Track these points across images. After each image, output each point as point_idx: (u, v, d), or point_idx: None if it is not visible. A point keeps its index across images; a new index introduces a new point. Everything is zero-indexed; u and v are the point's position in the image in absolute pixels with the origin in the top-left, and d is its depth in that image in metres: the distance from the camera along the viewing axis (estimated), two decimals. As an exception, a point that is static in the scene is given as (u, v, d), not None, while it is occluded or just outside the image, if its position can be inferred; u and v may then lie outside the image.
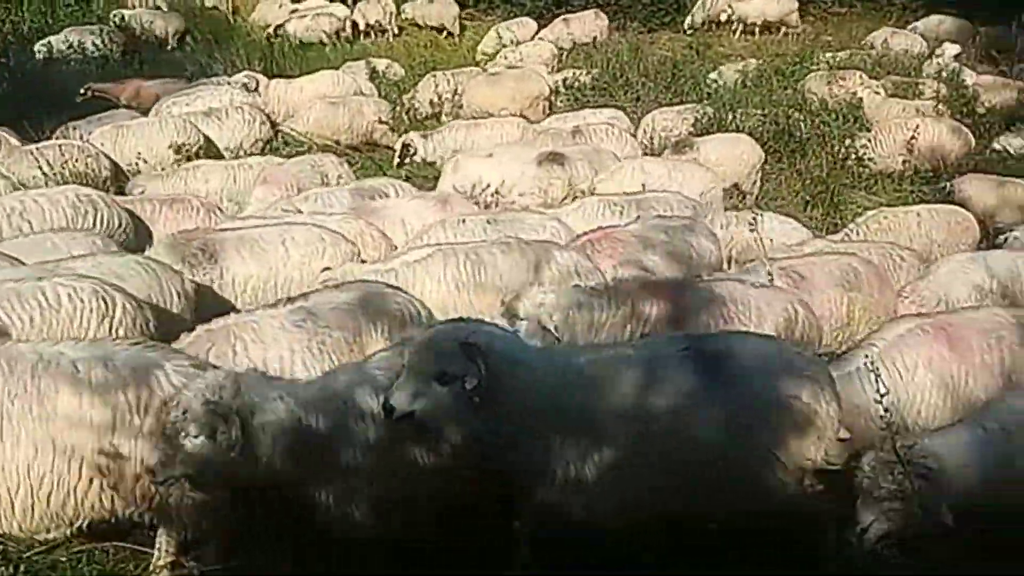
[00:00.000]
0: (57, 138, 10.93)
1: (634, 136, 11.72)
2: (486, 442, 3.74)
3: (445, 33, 20.53)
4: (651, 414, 3.86)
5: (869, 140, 11.70)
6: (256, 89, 13.60)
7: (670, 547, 3.96)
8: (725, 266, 7.41)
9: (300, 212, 7.86)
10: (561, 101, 14.11)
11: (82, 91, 13.21)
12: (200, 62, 16.15)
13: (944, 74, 15.31)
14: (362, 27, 20.20)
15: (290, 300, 5.15)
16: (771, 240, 7.50)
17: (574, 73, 15.06)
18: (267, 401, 3.81)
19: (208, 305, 5.85)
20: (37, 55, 16.35)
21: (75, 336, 4.51)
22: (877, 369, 4.62)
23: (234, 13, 21.43)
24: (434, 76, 14.66)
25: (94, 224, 7.19)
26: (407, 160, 11.53)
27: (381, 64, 16.31)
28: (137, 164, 10.44)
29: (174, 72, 15.23)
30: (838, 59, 16.44)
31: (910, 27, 19.50)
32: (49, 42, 16.73)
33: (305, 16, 19.80)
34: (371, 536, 3.99)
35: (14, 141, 10.21)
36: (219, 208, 8.30)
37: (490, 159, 10.08)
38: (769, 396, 4.06)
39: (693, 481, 3.94)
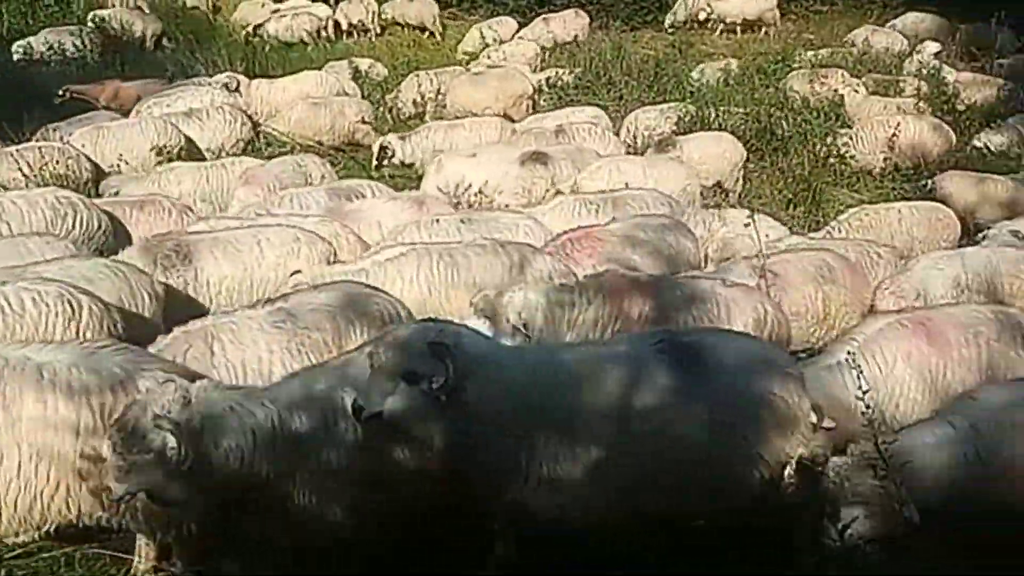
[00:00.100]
0: (37, 140, 10.83)
1: (617, 135, 11.74)
2: (456, 442, 3.72)
3: (428, 33, 20.51)
4: (625, 411, 3.85)
5: (851, 138, 11.74)
6: (237, 90, 13.54)
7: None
8: (702, 264, 7.42)
9: (270, 214, 7.80)
10: (544, 100, 14.11)
11: (60, 93, 13.09)
12: (181, 62, 16.05)
13: (925, 72, 15.40)
14: (345, 27, 20.15)
15: (269, 301, 5.14)
16: (751, 238, 7.53)
17: (557, 72, 15.07)
18: (217, 413, 3.77)
19: (182, 307, 5.82)
20: (15, 56, 16.22)
21: (42, 340, 4.45)
22: (859, 366, 4.64)
23: (215, 13, 21.32)
24: (417, 76, 14.65)
25: (73, 226, 7.16)
26: (385, 162, 11.50)
27: (364, 64, 16.27)
28: (118, 166, 10.37)
29: (155, 73, 15.13)
30: (819, 57, 16.52)
31: (888, 25, 19.61)
32: (28, 43, 16.60)
33: (285, 16, 19.74)
34: (348, 537, 3.98)
35: (-7, 143, 10.13)
36: (190, 209, 8.24)
37: (473, 159, 10.06)
38: (749, 392, 4.06)
39: (669, 478, 3.92)
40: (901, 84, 14.74)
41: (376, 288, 5.50)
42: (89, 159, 9.92)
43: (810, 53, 16.89)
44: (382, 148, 11.54)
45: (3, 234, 6.74)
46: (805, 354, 6.06)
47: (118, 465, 3.66)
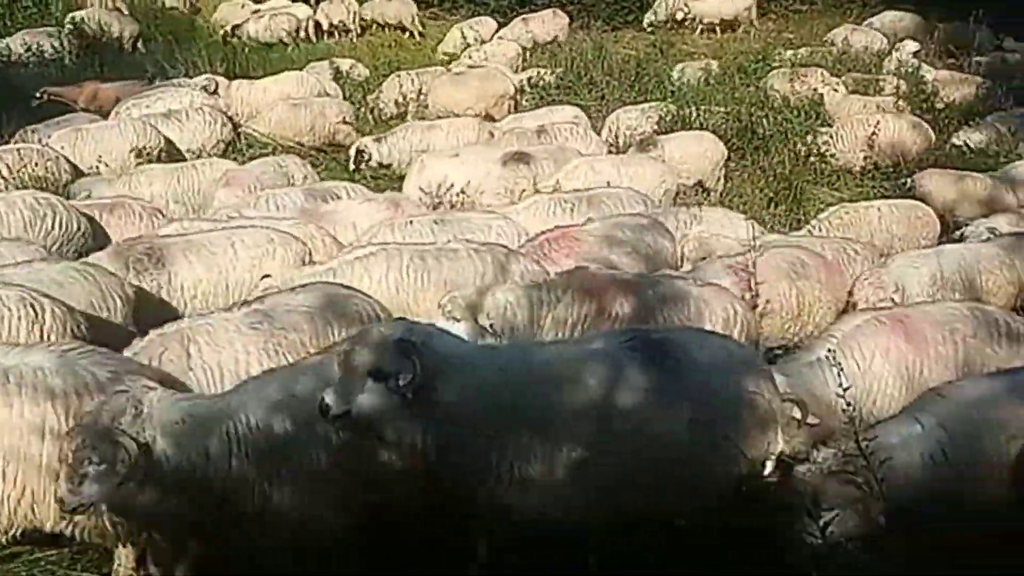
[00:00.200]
0: (16, 142, 10.74)
1: (599, 134, 11.76)
2: (427, 441, 3.68)
3: (409, 33, 20.47)
4: (597, 410, 3.84)
5: (831, 136, 11.79)
6: (216, 92, 13.45)
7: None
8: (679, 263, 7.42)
9: (242, 216, 7.75)
10: (526, 100, 14.11)
11: (38, 95, 12.98)
12: (162, 63, 15.96)
13: (904, 70, 15.50)
14: (326, 27, 20.08)
15: (246, 303, 5.11)
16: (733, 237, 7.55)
17: (539, 72, 15.07)
18: (169, 424, 3.75)
19: (155, 311, 5.78)
20: (-9, 57, 16.12)
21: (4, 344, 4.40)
22: (840, 363, 4.67)
23: (195, 13, 21.20)
24: (399, 76, 14.61)
25: (52, 227, 7.13)
26: (362, 166, 11.46)
27: (345, 64, 16.21)
28: (98, 168, 10.28)
29: (134, 74, 15.03)
30: (799, 56, 16.60)
31: (866, 23, 19.72)
32: (6, 44, 16.47)
33: (263, 16, 19.64)
34: (328, 543, 3.96)
35: (-29, 146, 10.03)
36: (161, 213, 8.17)
37: (456, 159, 10.04)
38: (724, 389, 4.06)
39: (647, 477, 3.90)
40: (880, 83, 14.82)
41: (354, 289, 5.47)
42: (68, 161, 9.85)
43: (790, 52, 16.97)
44: (358, 152, 11.51)
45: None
46: (780, 350, 6.09)
47: (69, 476, 3.64)
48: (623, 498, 3.91)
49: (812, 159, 11.41)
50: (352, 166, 11.50)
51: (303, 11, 20.09)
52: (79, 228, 7.31)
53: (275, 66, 16.29)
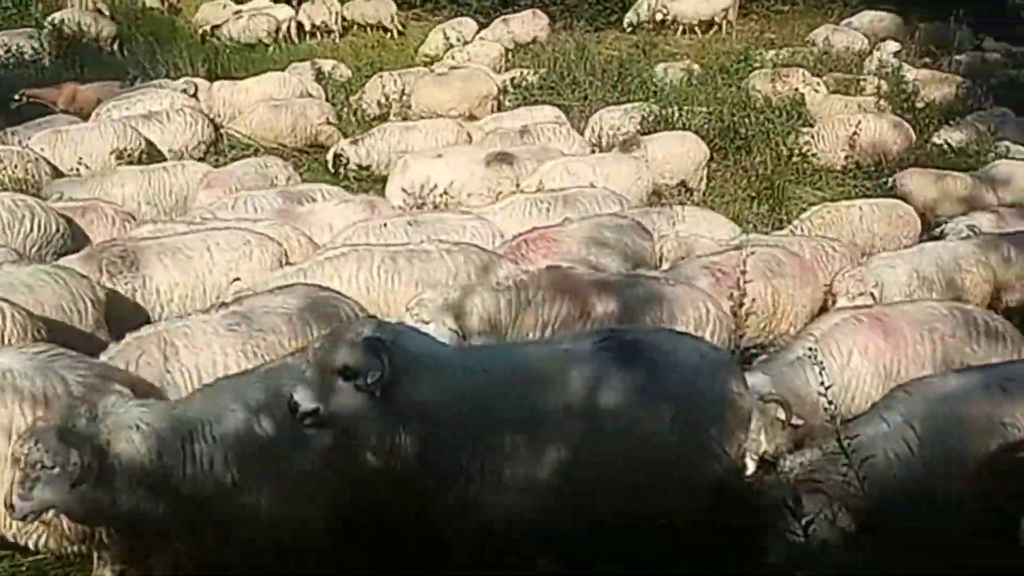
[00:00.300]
0: (-5, 144, 10.65)
1: (581, 134, 11.76)
2: (397, 440, 3.65)
3: (391, 33, 20.43)
4: (569, 409, 3.83)
5: (812, 136, 11.84)
6: (195, 94, 13.37)
7: (652, 547, 3.95)
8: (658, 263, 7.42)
9: (216, 217, 7.68)
10: (509, 101, 14.09)
11: (17, 96, 12.88)
12: (142, 64, 15.86)
13: (885, 70, 15.58)
14: (308, 28, 20.01)
15: (224, 305, 5.08)
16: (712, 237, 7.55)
17: (522, 72, 15.06)
18: (124, 429, 3.71)
19: (130, 314, 5.73)
20: (-31, 59, 15.94)
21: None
22: (821, 361, 4.68)
23: (176, 14, 21.09)
24: (381, 77, 14.54)
25: (31, 229, 7.06)
26: (341, 169, 11.41)
27: (327, 65, 16.17)
28: (78, 169, 10.19)
29: (114, 75, 14.93)
30: (781, 57, 16.67)
31: (844, 23, 19.82)
32: (-16, 45, 16.32)
33: (242, 17, 19.54)
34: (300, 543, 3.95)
35: (-50, 148, 9.91)
36: (133, 217, 8.07)
37: (439, 159, 10.01)
38: (697, 389, 4.06)
39: (624, 477, 3.89)
40: (861, 83, 14.91)
41: (332, 290, 5.45)
42: (48, 163, 9.77)
43: (771, 52, 17.03)
44: (336, 157, 11.46)
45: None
46: (756, 349, 6.10)
47: (20, 482, 3.59)
48: (600, 498, 3.90)
49: (794, 159, 11.46)
50: (331, 169, 11.46)
51: (284, 12, 20.01)
52: (58, 230, 7.25)
53: (257, 67, 16.21)
